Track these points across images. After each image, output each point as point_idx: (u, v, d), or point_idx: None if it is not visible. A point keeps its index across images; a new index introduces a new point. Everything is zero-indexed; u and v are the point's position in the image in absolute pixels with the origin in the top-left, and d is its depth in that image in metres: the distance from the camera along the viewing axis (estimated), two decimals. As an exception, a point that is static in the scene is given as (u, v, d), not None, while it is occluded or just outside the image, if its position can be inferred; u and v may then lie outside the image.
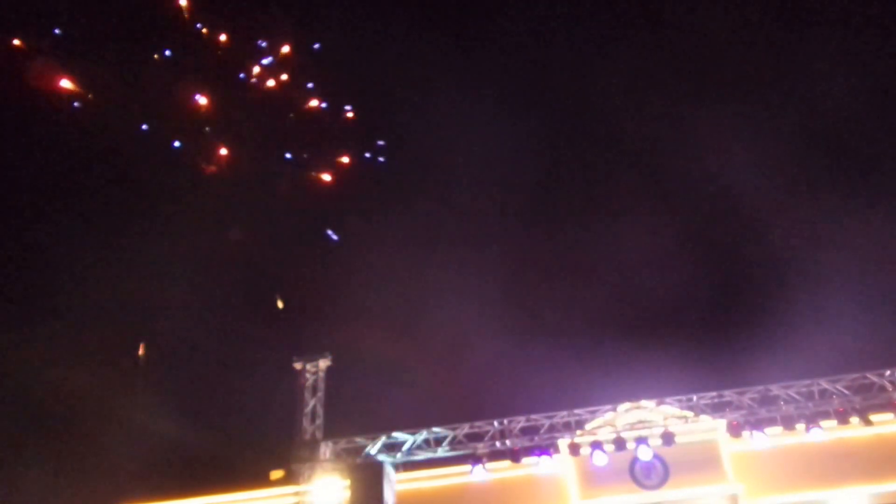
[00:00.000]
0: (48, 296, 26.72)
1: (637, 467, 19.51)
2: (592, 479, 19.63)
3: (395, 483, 20.29)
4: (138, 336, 26.25)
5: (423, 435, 19.71)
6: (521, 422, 19.45)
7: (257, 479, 21.50)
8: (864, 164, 27.82)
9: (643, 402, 19.64)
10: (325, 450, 20.05)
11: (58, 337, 24.73)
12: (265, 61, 28.10)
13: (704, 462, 19.43)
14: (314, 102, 28.87)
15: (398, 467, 20.33)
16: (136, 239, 26.84)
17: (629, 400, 19.66)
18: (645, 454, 18.81)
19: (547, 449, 19.12)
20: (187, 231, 26.77)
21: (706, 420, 19.31)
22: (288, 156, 28.60)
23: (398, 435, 19.80)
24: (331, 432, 20.51)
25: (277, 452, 21.29)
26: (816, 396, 18.69)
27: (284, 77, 28.61)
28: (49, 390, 22.79)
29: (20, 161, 26.05)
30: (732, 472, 19.43)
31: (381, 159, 28.57)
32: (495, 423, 19.49)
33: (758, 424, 18.72)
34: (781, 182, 27.37)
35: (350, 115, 29.19)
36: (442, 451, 19.69)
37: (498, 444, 19.34)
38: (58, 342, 24.49)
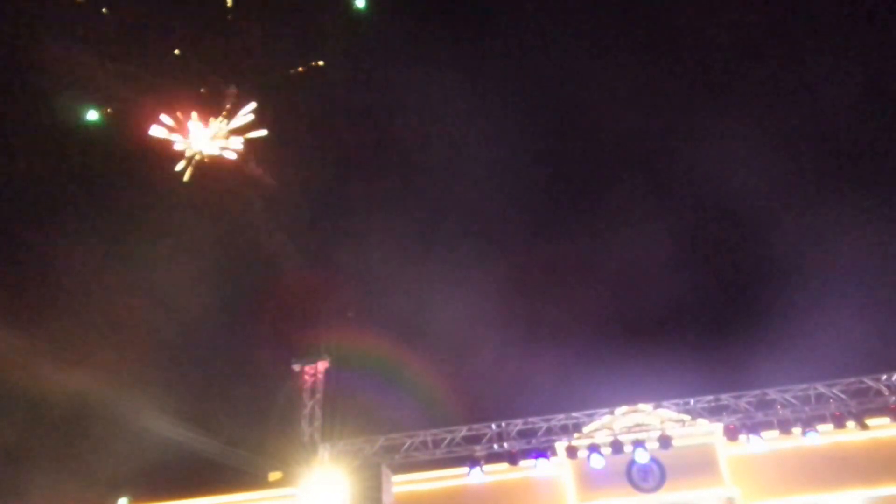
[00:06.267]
0: (51, 297, 26.79)
1: (634, 470, 19.57)
2: (589, 481, 19.71)
3: (393, 485, 20.40)
4: (140, 338, 26.32)
5: (420, 437, 19.78)
6: (518, 424, 19.49)
7: (256, 480, 21.57)
8: (862, 171, 27.90)
9: (640, 406, 19.69)
10: (324, 451, 20.10)
11: (61, 338, 24.80)
12: None
13: (701, 465, 19.50)
14: None
15: (396, 469, 20.43)
16: (140, 242, 26.91)
17: (626, 403, 19.70)
18: (642, 457, 18.85)
19: (544, 452, 19.15)
20: (190, 233, 26.86)
21: (703, 424, 19.37)
22: None
23: (396, 437, 19.86)
24: (329, 434, 20.60)
25: (276, 454, 21.35)
26: (813, 400, 18.71)
27: None
28: (51, 392, 22.85)
29: (23, 162, 26.13)
30: (729, 475, 19.50)
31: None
32: (493, 426, 19.53)
33: (754, 428, 18.74)
34: (781, 187, 27.41)
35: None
36: (440, 454, 19.76)
37: (495, 446, 19.37)
38: (61, 343, 24.56)
